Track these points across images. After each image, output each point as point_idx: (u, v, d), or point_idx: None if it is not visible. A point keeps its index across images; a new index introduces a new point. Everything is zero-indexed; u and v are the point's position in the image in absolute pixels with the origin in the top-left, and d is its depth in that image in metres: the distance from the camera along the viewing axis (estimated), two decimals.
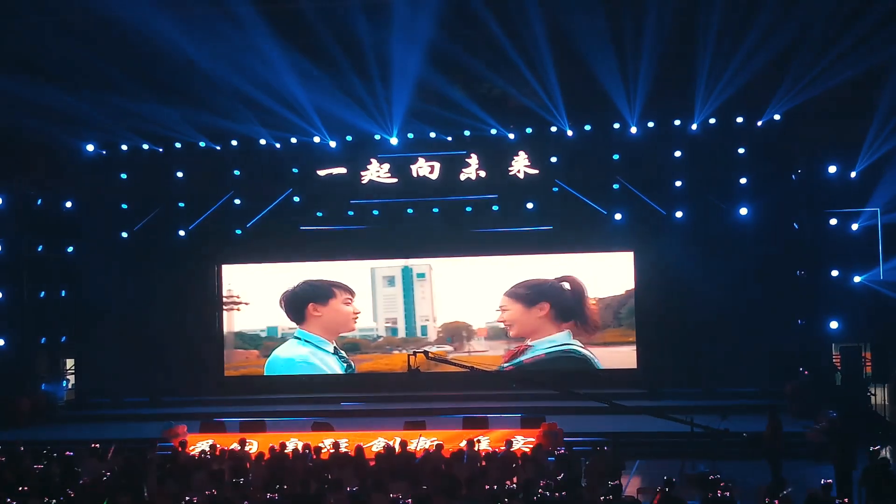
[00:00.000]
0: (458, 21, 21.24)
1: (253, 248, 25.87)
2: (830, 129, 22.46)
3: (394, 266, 25.90)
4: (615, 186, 24.06)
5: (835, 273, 22.41)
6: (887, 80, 21.05)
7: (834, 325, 22.28)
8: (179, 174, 25.48)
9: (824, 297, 22.51)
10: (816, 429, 18.32)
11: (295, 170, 25.03)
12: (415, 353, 23.58)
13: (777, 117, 22.84)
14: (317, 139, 24.80)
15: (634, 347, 24.84)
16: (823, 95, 21.46)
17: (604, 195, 24.18)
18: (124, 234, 25.67)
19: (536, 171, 24.33)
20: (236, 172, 25.25)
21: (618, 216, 24.17)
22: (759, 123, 23.04)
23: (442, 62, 22.47)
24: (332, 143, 24.88)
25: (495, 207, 24.75)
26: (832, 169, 22.46)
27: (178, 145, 25.22)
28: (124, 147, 25.37)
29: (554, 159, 24.17)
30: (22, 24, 21.42)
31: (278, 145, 25.02)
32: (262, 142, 24.97)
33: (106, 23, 21.02)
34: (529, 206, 24.44)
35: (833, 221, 22.45)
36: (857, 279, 22.15)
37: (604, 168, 24.00)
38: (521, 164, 24.35)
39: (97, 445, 16.74)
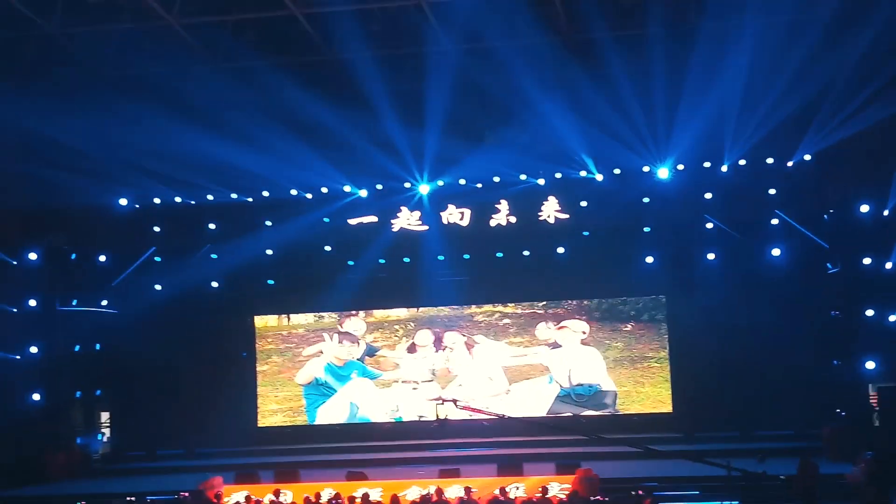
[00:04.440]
0: (483, 66, 21.29)
1: (285, 298, 26.04)
2: (861, 168, 22.33)
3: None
4: (646, 230, 23.98)
5: (870, 312, 22.21)
6: None
7: (870, 365, 22.04)
8: (212, 226, 25.65)
9: (860, 337, 22.28)
10: (856, 471, 18.07)
11: (326, 219, 25.11)
12: (443, 402, 23.63)
13: (808, 157, 22.76)
14: (347, 188, 24.94)
15: (670, 391, 24.76)
16: (854, 135, 21.35)
17: (635, 239, 24.09)
18: (158, 287, 25.78)
19: (567, 216, 24.31)
20: (268, 223, 25.36)
21: (649, 259, 24.11)
22: (790, 164, 22.96)
23: (470, 109, 22.57)
24: (363, 192, 25.00)
25: (526, 253, 24.75)
26: (864, 208, 22.34)
27: (209, 198, 25.38)
28: (157, 200, 25.56)
29: (584, 203, 24.13)
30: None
31: (309, 195, 25.14)
32: (294, 192, 25.11)
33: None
34: (560, 250, 24.41)
35: (867, 260, 22.30)
36: (892, 318, 21.94)
37: (634, 211, 23.92)
38: (550, 209, 24.35)
39: (132, 499, 16.76)
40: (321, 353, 26.22)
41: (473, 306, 26.04)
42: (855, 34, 19.33)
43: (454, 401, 22.99)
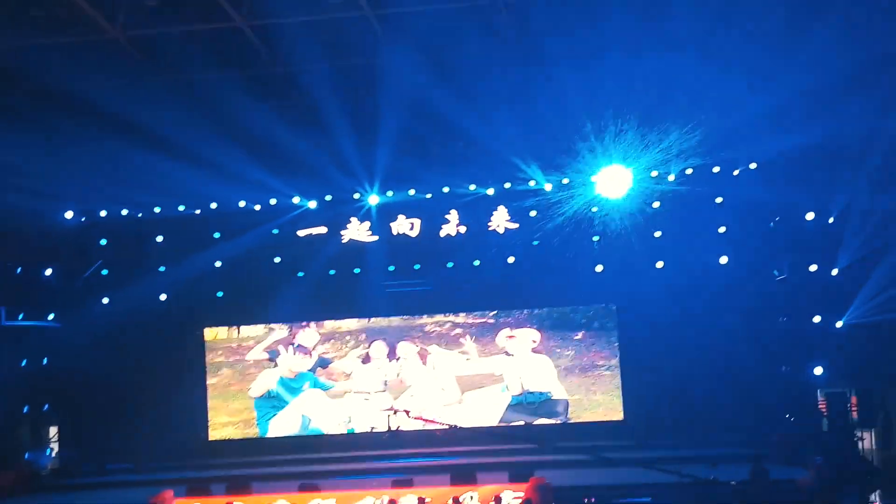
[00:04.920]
0: (433, 77, 21.32)
1: (234, 310, 25.89)
2: (807, 177, 22.56)
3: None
4: (595, 238, 24.09)
5: (817, 319, 22.49)
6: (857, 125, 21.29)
7: (818, 370, 22.31)
8: (159, 239, 25.42)
9: (808, 343, 22.58)
10: (806, 476, 18.29)
11: (275, 231, 25.00)
12: (395, 412, 23.64)
13: (753, 166, 23.00)
14: (296, 199, 24.86)
15: (621, 399, 24.90)
16: (799, 145, 21.60)
17: (584, 248, 24.20)
18: (105, 300, 25.52)
19: (516, 226, 24.40)
20: (216, 235, 25.19)
21: (599, 268, 24.25)
22: (736, 172, 23.20)
23: (420, 119, 22.58)
24: (312, 204, 24.93)
25: (476, 262, 24.79)
26: (810, 216, 22.64)
27: (157, 210, 25.15)
28: (103, 213, 25.30)
29: (533, 213, 24.22)
30: None
31: (257, 207, 25.02)
32: (242, 204, 24.98)
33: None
34: (510, 259, 24.49)
35: (813, 267, 22.59)
36: (839, 324, 22.23)
37: (584, 220, 24.01)
38: (500, 219, 24.41)
39: None
40: (269, 360, 26.03)
41: (425, 316, 26.01)
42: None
43: (406, 411, 23.14)
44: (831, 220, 22.45)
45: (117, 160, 23.02)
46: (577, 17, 20.27)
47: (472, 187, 24.46)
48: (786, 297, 23.23)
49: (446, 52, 20.49)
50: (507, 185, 24.40)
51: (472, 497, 18.28)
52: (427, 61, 20.81)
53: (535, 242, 24.38)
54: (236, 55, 21.38)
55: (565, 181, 24.04)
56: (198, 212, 25.28)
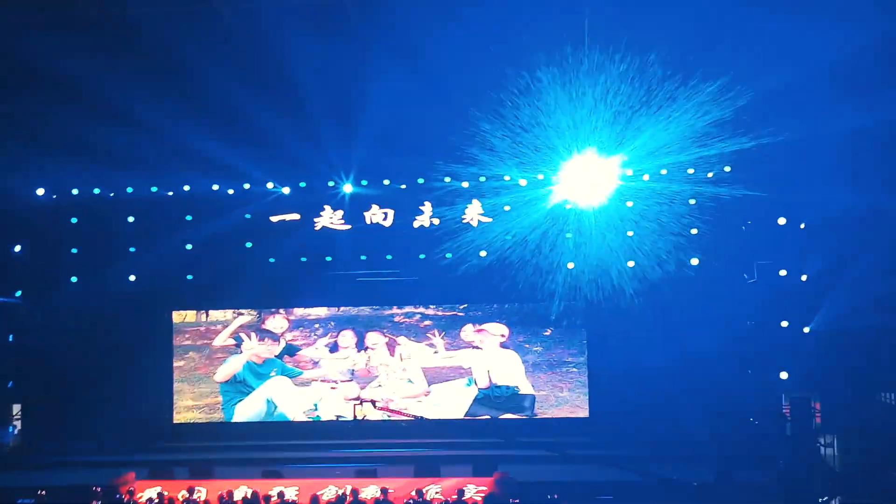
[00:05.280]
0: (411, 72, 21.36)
1: (204, 294, 25.78)
2: (779, 181, 22.68)
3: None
4: (568, 235, 24.12)
5: (784, 324, 22.63)
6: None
7: (784, 375, 22.45)
8: (131, 219, 25.27)
9: (774, 348, 22.72)
10: (767, 480, 18.44)
11: (248, 215, 24.90)
12: (361, 402, 23.65)
13: (728, 169, 23.08)
14: (270, 185, 24.78)
15: (587, 397, 24.98)
16: (773, 148, 21.70)
17: (557, 244, 24.21)
18: (74, 279, 25.36)
19: (490, 220, 24.39)
20: (188, 217, 25.07)
21: (570, 265, 24.26)
22: (710, 175, 23.28)
23: (397, 110, 22.56)
24: (286, 190, 24.85)
25: (448, 255, 24.76)
26: (782, 220, 22.78)
27: (129, 190, 25.00)
28: (75, 191, 25.14)
29: (507, 207, 24.23)
30: None
31: (231, 191, 24.91)
32: (215, 187, 24.86)
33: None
34: (483, 253, 24.47)
35: (783, 272, 22.72)
36: (806, 329, 22.37)
37: (557, 217, 24.05)
38: (474, 212, 24.40)
39: (44, 492, 16.50)
40: (236, 345, 25.94)
41: (395, 307, 25.97)
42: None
43: (373, 401, 23.13)
44: (802, 225, 22.58)
45: (91, 139, 22.86)
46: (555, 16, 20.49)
47: (447, 179, 24.40)
48: (755, 301, 23.31)
49: (423, 46, 20.55)
50: (483, 179, 24.36)
51: (435, 490, 18.31)
52: (405, 53, 20.87)
53: (509, 237, 24.37)
54: (217, 36, 21.34)
55: (540, 177, 24.09)
56: (170, 194, 25.11)
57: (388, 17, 20.59)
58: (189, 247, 25.12)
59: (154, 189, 25.01)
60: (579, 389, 25.15)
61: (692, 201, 23.51)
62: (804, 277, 22.55)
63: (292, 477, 19.61)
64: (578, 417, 24.95)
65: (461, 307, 25.79)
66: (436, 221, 24.60)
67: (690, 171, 23.33)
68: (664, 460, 21.48)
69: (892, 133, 20.59)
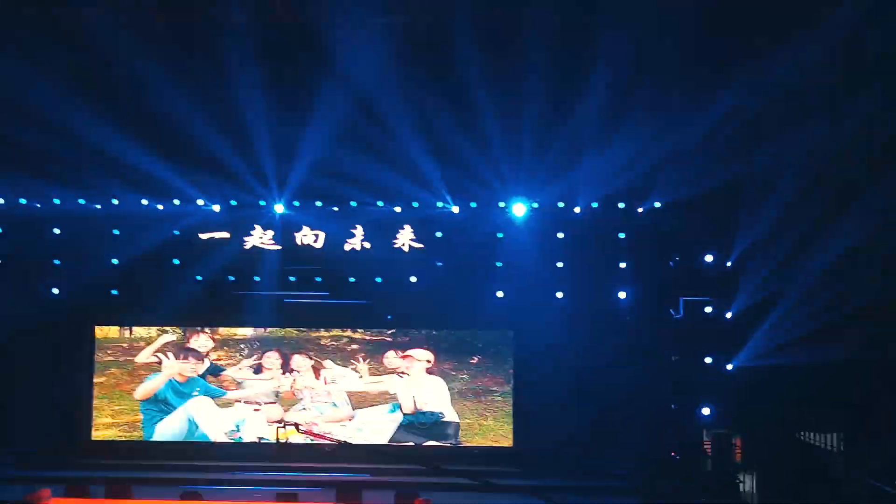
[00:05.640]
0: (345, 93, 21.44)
1: (128, 310, 25.38)
2: (708, 219, 23.00)
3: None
4: (498, 264, 24.17)
5: (708, 360, 22.84)
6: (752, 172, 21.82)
7: (706, 411, 22.63)
8: (56, 231, 24.82)
9: (697, 383, 22.91)
10: None
11: (176, 232, 24.62)
12: (284, 425, 23.40)
13: (658, 205, 23.31)
14: (200, 202, 24.54)
15: (511, 426, 24.96)
16: (702, 188, 22.02)
17: (487, 273, 24.26)
18: None
19: (421, 246, 24.36)
20: (116, 231, 24.72)
21: (500, 294, 24.30)
22: (640, 210, 23.49)
23: (329, 131, 22.54)
24: (216, 207, 24.61)
25: (378, 279, 24.68)
26: (709, 258, 23.06)
27: (56, 202, 24.60)
28: (1, 201, 24.70)
29: (439, 234, 24.24)
30: None
31: (160, 207, 24.60)
32: (144, 202, 24.55)
33: None
34: (413, 279, 24.44)
35: (708, 309, 22.97)
36: (729, 367, 22.59)
37: (488, 246, 24.11)
38: (406, 238, 24.36)
39: None
40: (158, 363, 25.54)
41: (322, 330, 25.79)
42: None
43: (296, 424, 22.88)
44: (729, 263, 22.85)
45: (19, 148, 22.54)
46: (493, 44, 20.67)
47: (380, 204, 24.36)
48: (680, 336, 23.50)
49: (360, 68, 20.63)
50: (415, 205, 24.35)
51: None
52: (338, 75, 20.96)
53: (439, 264, 24.39)
54: (152, 47, 21.21)
55: (473, 205, 24.15)
56: (98, 207, 24.69)
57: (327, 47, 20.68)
58: (115, 262, 24.74)
59: (82, 202, 24.57)
60: (504, 419, 25.12)
61: (622, 235, 23.77)
62: (729, 314, 22.80)
63: (212, 498, 19.34)
64: (502, 447, 24.91)
65: (389, 332, 25.65)
66: (367, 245, 24.50)
67: (621, 205, 23.60)
68: (587, 492, 21.53)
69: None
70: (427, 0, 20.52)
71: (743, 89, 20.11)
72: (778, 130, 20.59)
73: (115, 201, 24.61)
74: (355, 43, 20.34)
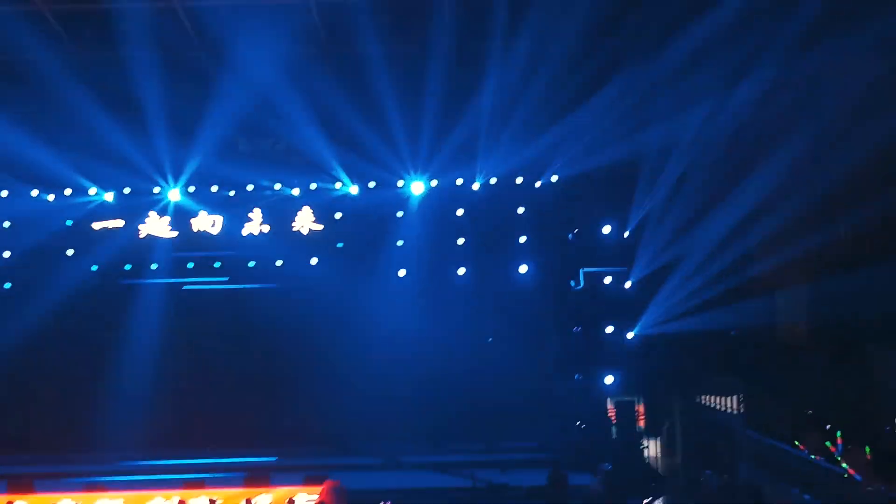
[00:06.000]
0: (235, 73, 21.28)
1: (22, 303, 24.68)
2: (605, 192, 23.33)
3: None
4: (399, 243, 24.14)
5: (609, 329, 23.19)
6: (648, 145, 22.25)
7: (609, 379, 22.99)
8: None
9: (600, 353, 23.25)
10: (595, 482, 18.80)
11: (69, 222, 24.08)
12: None
13: (555, 178, 23.55)
14: (92, 191, 24.03)
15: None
16: (599, 151, 22.33)
17: (388, 252, 24.21)
18: None
19: (321, 227, 24.21)
20: (6, 224, 24.11)
21: (402, 272, 24.27)
22: (538, 184, 23.70)
23: (224, 115, 22.28)
24: (109, 196, 24.13)
25: (279, 262, 24.44)
26: (607, 229, 23.39)
27: None
28: None
29: (338, 215, 24.13)
30: None
31: (51, 197, 24.03)
32: (34, 193, 23.95)
33: None
34: (313, 261, 24.27)
35: (608, 279, 23.31)
36: (629, 335, 22.98)
37: (388, 225, 24.08)
38: (305, 220, 24.18)
39: None
40: None
41: None
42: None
43: None
44: (626, 233, 23.22)
45: None
46: (392, 27, 20.72)
47: (277, 186, 24.16)
48: (581, 307, 23.82)
49: (252, 50, 20.50)
50: (313, 186, 24.20)
51: (266, 499, 18.06)
52: (231, 57, 20.79)
53: (340, 245, 24.28)
54: (42, 33, 20.86)
55: (371, 184, 24.09)
56: None
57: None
58: (7, 254, 24.14)
59: None
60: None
61: (520, 210, 23.96)
62: (628, 284, 23.18)
63: (117, 489, 19.03)
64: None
65: None
66: (265, 229, 24.27)
67: (518, 180, 23.79)
68: (496, 466, 21.68)
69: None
70: None
71: (635, 74, 20.60)
72: (670, 109, 21.05)
73: (5, 193, 24.00)
74: (251, 26, 20.11)
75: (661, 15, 19.88)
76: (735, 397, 21.99)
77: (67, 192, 24.06)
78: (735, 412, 21.92)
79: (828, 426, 19.61)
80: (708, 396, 23.16)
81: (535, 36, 20.63)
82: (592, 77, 21.37)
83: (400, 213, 24.12)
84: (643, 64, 20.69)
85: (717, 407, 22.73)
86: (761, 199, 20.61)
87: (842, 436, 19.13)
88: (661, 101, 21.21)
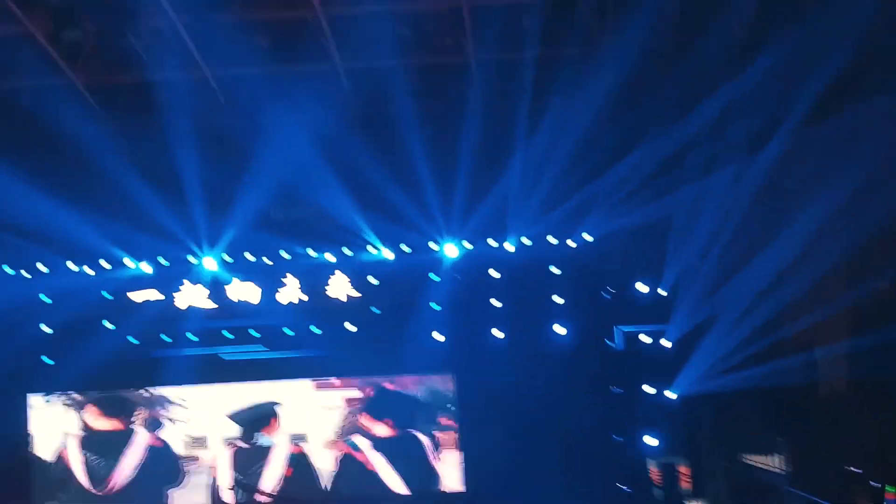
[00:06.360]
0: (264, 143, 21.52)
1: (63, 376, 24.89)
2: (639, 249, 23.13)
3: None
4: (435, 307, 24.06)
5: (649, 389, 22.86)
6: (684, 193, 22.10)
7: (650, 440, 22.65)
8: None
9: (639, 413, 22.93)
10: None
11: (106, 294, 24.30)
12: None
13: (588, 237, 23.39)
14: (130, 263, 24.25)
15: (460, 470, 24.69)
16: (631, 219, 22.21)
17: (424, 316, 24.13)
18: None
19: (357, 293, 24.21)
20: (44, 298, 24.34)
21: (439, 337, 24.16)
22: (572, 244, 23.56)
23: (257, 183, 22.49)
24: (147, 267, 24.35)
25: (316, 329, 24.45)
26: (642, 287, 23.15)
27: None
28: None
29: (374, 280, 24.13)
30: None
31: (88, 270, 24.29)
32: (72, 266, 24.24)
33: None
34: (351, 328, 24.25)
35: (645, 338, 23.03)
36: (670, 394, 22.64)
37: (423, 289, 24.02)
38: (340, 286, 24.18)
39: None
40: None
41: (264, 382, 25.43)
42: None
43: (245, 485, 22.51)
44: (662, 290, 22.96)
45: None
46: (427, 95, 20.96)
47: (312, 253, 24.22)
48: (618, 366, 23.52)
49: (280, 116, 20.69)
50: (348, 253, 24.24)
51: None
52: (257, 127, 21.02)
53: (376, 311, 24.25)
54: (69, 107, 21.15)
55: (406, 249, 24.09)
56: (27, 275, 24.38)
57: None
58: (46, 328, 24.37)
59: (6, 268, 24.29)
60: (452, 464, 24.86)
61: (555, 270, 23.79)
62: (666, 342, 22.87)
63: None
64: (454, 492, 24.60)
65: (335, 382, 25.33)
66: (303, 297, 24.31)
67: (552, 240, 23.66)
68: None
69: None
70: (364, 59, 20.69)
71: (665, 136, 20.63)
72: (702, 167, 21.00)
73: (43, 268, 24.29)
74: (282, 94, 20.35)
75: (690, 79, 19.87)
76: (779, 456, 21.57)
77: (104, 263, 24.29)
78: (780, 471, 21.50)
79: (876, 484, 19.12)
80: (751, 456, 22.67)
81: (566, 101, 20.74)
82: (624, 138, 21.44)
83: (434, 277, 24.04)
84: (673, 126, 20.64)
85: (762, 466, 22.26)
86: (798, 254, 20.32)
87: (893, 491, 18.65)
88: (692, 160, 21.14)
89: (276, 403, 24.98)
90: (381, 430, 24.68)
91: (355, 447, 24.60)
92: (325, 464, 24.65)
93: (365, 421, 24.75)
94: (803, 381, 21.34)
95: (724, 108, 19.65)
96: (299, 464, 24.64)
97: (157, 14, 18.87)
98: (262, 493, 20.75)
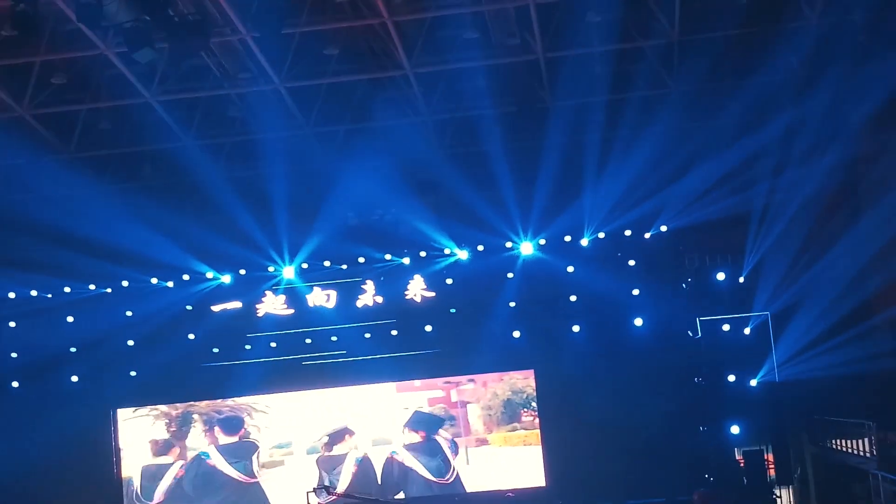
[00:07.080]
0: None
1: (149, 389, 25.29)
2: (716, 237, 23.10)
3: None
4: (512, 304, 24.15)
5: (731, 378, 22.81)
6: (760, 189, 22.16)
7: (735, 429, 22.61)
8: (70, 319, 24.85)
9: (723, 402, 22.88)
10: None
11: (189, 307, 24.69)
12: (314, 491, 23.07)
13: (664, 228, 23.38)
14: (209, 275, 24.63)
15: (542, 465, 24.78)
16: (708, 205, 22.20)
17: (501, 314, 24.22)
18: (15, 384, 24.92)
19: (433, 294, 24.39)
20: (128, 313, 24.77)
21: (516, 334, 24.26)
22: (647, 235, 23.56)
23: (331, 191, 22.82)
24: (226, 279, 24.69)
25: (394, 332, 24.63)
26: (721, 276, 23.10)
27: (67, 290, 24.71)
28: (12, 295, 24.79)
29: (449, 281, 24.29)
30: None
31: (170, 283, 24.70)
32: (154, 280, 24.65)
33: None
34: (428, 328, 24.42)
35: (726, 327, 22.96)
36: (753, 382, 22.59)
37: (499, 288, 24.11)
38: (416, 288, 24.38)
39: None
40: None
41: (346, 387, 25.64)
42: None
43: (326, 488, 22.79)
44: (742, 279, 22.91)
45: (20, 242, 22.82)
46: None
47: (388, 257, 24.43)
48: (701, 356, 23.46)
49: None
50: (423, 254, 24.42)
51: None
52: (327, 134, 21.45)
53: (453, 310, 24.40)
54: (147, 132, 21.66)
55: (480, 248, 24.21)
56: (109, 290, 24.85)
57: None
58: (131, 343, 24.79)
59: (92, 287, 24.73)
60: (534, 458, 24.96)
61: (632, 262, 23.79)
62: (747, 330, 22.81)
63: None
64: (535, 487, 24.67)
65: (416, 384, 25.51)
66: (379, 299, 24.53)
67: (627, 232, 23.67)
68: None
69: None
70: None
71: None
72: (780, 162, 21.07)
73: (125, 283, 24.72)
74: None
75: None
76: (867, 439, 21.41)
77: (185, 277, 24.72)
78: (868, 455, 21.32)
79: None
80: (838, 440, 22.54)
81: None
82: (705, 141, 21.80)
83: (510, 275, 24.14)
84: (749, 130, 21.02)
85: (850, 451, 22.12)
86: (884, 240, 20.29)
87: None
88: (766, 161, 21.43)
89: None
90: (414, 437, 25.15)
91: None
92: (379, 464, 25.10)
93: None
94: (892, 367, 21.28)
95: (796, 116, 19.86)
96: (365, 465, 25.08)
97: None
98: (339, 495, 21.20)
